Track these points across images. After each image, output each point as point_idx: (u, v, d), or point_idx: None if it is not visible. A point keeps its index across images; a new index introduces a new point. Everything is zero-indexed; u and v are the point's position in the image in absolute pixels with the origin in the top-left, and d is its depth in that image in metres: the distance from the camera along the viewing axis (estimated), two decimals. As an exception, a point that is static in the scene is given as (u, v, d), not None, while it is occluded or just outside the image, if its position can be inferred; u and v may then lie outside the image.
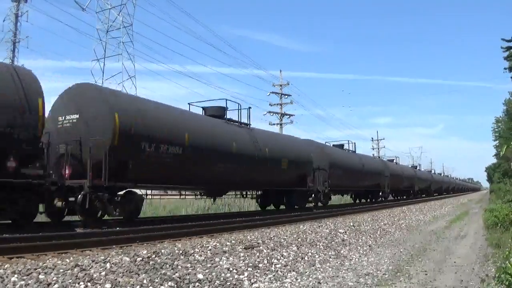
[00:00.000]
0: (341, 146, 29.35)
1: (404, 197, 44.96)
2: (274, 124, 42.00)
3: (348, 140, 30.78)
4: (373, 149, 67.63)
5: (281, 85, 43.12)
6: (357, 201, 33.48)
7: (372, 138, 69.55)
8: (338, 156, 26.14)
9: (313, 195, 21.95)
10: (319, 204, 23.11)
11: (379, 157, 51.92)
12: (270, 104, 42.86)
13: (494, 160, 57.40)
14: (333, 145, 28.92)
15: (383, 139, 71.01)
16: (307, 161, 20.99)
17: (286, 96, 43.20)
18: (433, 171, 74.96)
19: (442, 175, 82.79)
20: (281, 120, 42.48)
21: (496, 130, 46.72)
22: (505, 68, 22.25)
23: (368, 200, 33.42)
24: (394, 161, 44.81)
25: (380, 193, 34.21)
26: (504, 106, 38.96)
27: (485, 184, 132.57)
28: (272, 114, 42.61)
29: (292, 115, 43.13)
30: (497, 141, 46.30)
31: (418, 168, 58.40)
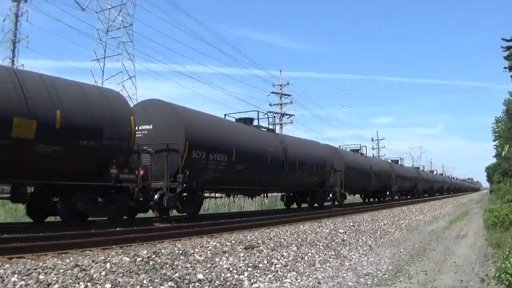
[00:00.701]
0: (248, 120, 18.21)
1: (375, 199, 34.74)
2: (274, 124, 42.04)
3: (258, 110, 18.61)
4: (373, 149, 67.74)
5: (281, 85, 43.21)
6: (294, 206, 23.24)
7: (372, 138, 69.70)
8: (215, 133, 14.61)
9: (154, 197, 12.35)
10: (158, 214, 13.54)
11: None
12: (270, 104, 42.95)
13: (494, 160, 57.44)
14: (237, 119, 18.19)
15: (383, 139, 71.09)
16: (100, 128, 10.67)
17: (286, 96, 43.32)
18: (421, 168, 65.34)
19: (436, 173, 78.28)
20: (281, 120, 42.54)
21: (496, 130, 46.81)
22: (505, 67, 22.37)
23: (314, 204, 22.59)
24: (360, 151, 32.70)
25: (330, 195, 24.05)
26: (504, 106, 39.07)
27: (485, 184, 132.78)
28: (272, 114, 42.70)
29: (292, 115, 43.24)
30: (497, 141, 46.40)
31: (400, 163, 46.10)
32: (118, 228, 10.28)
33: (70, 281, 5.45)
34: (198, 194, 14.14)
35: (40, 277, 5.51)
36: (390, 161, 42.85)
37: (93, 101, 10.91)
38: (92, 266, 6.20)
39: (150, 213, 14.23)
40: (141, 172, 11.90)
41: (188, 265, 6.94)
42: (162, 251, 7.68)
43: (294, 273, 7.20)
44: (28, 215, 11.53)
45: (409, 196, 44.70)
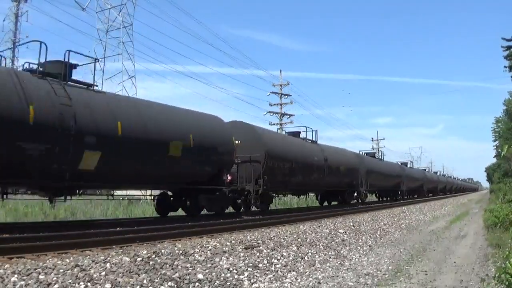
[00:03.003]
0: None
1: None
2: (274, 124, 42.12)
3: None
4: (373, 149, 67.74)
5: (281, 85, 43.25)
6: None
7: (372, 138, 69.76)
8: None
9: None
10: None
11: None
12: (270, 104, 43.02)
13: (494, 160, 57.40)
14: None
15: (383, 139, 71.20)
16: None
17: (286, 96, 43.39)
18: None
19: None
20: (281, 120, 42.56)
21: (496, 130, 46.76)
22: (505, 67, 22.41)
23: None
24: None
25: (355, 194, 28.43)
26: (504, 106, 39.03)
27: (485, 184, 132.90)
28: (272, 114, 42.74)
29: (292, 115, 43.32)
30: (497, 141, 46.36)
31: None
32: (118, 228, 10.28)
33: (70, 281, 5.45)
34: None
35: (40, 277, 5.51)
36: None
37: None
38: (92, 266, 6.20)
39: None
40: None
41: (188, 265, 6.94)
42: (162, 251, 7.68)
43: (294, 273, 7.19)
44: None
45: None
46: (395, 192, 38.76)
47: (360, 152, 33.09)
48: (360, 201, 28.51)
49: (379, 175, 31.96)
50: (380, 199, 37.77)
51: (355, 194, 27.65)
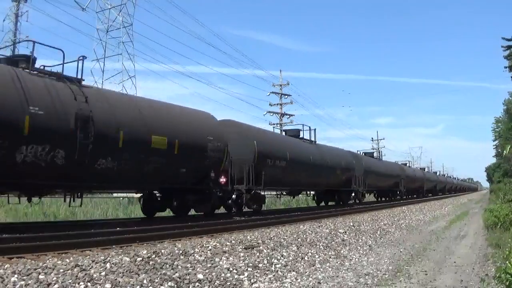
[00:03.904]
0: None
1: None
2: (274, 124, 42.12)
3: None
4: (373, 149, 67.70)
5: (281, 85, 43.22)
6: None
7: (372, 138, 69.61)
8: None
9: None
10: None
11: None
12: (270, 104, 42.98)
13: (494, 160, 57.39)
14: (286, 131, 23.90)
15: (383, 139, 70.93)
16: None
17: (286, 96, 43.34)
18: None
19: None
20: (281, 120, 42.54)
21: (496, 130, 46.82)
22: (505, 67, 22.44)
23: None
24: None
25: (353, 194, 26.04)
26: (504, 106, 39.06)
27: (485, 184, 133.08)
28: (272, 114, 42.73)
29: (292, 115, 43.26)
30: (497, 141, 46.43)
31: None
32: (117, 228, 10.27)
33: (70, 281, 5.45)
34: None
35: (40, 277, 5.51)
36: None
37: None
38: (92, 266, 6.20)
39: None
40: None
41: (188, 265, 6.94)
42: (162, 251, 7.68)
43: (294, 273, 7.20)
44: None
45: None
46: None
47: (283, 132, 23.79)
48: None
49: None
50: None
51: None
